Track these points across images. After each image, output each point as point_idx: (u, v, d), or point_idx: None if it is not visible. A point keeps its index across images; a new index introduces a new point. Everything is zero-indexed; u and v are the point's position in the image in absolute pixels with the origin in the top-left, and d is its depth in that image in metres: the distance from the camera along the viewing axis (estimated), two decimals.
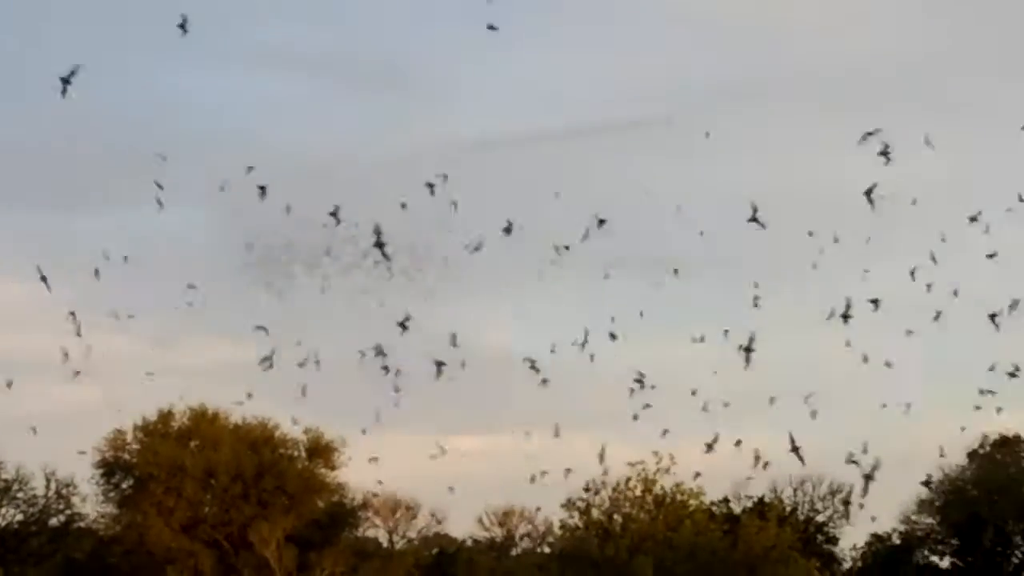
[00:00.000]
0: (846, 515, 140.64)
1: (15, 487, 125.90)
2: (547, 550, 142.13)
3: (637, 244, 72.74)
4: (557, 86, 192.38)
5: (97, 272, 65.99)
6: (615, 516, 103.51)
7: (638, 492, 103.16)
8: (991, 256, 65.66)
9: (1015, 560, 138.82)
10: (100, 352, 74.90)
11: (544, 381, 70.61)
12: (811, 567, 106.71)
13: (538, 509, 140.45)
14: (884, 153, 57.56)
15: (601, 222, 63.39)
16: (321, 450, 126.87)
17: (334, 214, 60.55)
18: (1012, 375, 68.81)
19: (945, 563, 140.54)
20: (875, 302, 64.85)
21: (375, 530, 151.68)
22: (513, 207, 64.14)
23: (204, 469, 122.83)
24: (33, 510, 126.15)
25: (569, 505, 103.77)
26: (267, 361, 66.95)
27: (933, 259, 65.29)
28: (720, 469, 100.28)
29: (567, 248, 65.78)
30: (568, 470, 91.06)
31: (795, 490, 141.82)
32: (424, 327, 64.95)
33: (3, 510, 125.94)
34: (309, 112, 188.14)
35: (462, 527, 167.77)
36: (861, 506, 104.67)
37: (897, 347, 71.28)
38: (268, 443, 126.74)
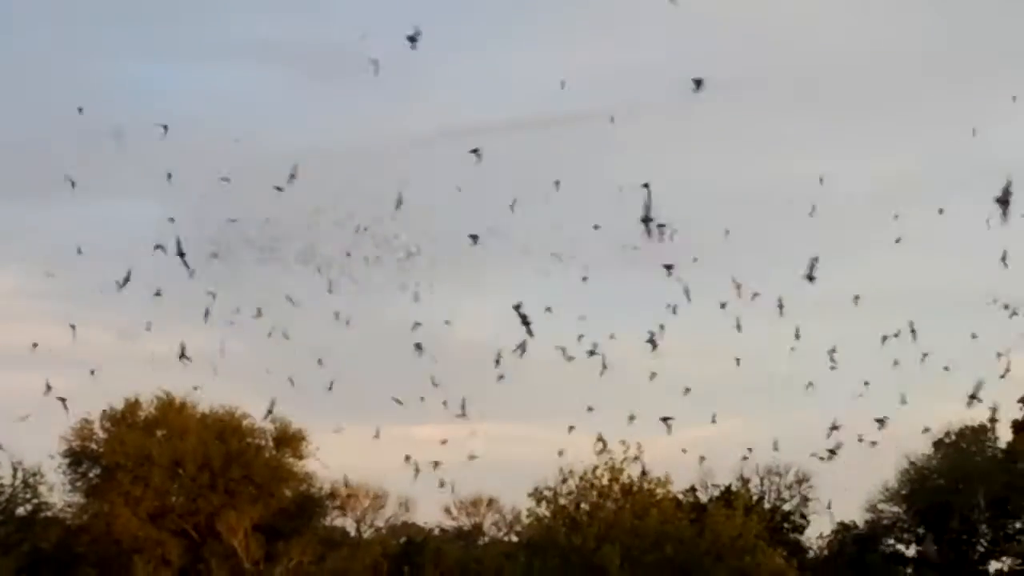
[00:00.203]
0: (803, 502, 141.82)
1: None
2: (515, 539, 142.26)
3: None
4: (520, 77, 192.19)
5: (56, 262, 66.06)
6: (582, 505, 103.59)
7: (605, 481, 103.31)
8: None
9: (981, 548, 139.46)
10: (66, 340, 74.96)
11: (501, 377, 70.97)
12: (777, 556, 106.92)
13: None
14: None
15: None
16: (289, 439, 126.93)
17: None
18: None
19: (911, 551, 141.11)
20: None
21: (343, 519, 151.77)
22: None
23: (171, 458, 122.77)
24: (0, 499, 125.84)
25: (536, 494, 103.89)
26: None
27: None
28: (683, 458, 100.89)
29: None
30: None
31: (762, 479, 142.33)
32: (389, 317, 65.21)
33: None
34: (263, 101, 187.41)
35: (430, 516, 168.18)
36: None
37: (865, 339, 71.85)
38: (235, 432, 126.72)
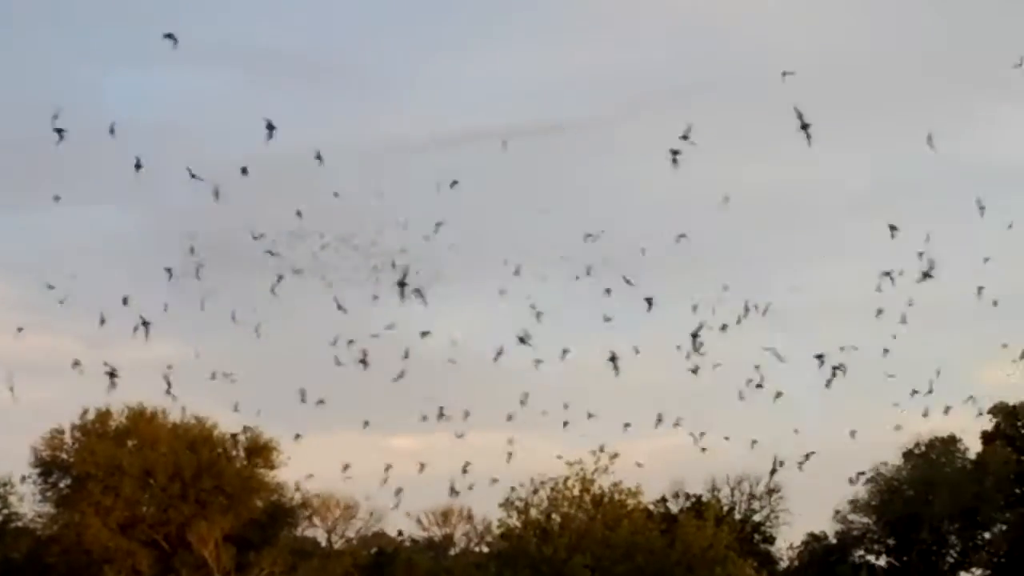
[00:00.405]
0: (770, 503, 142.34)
1: None
2: (485, 549, 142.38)
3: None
4: (499, 86, 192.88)
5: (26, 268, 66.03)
6: (553, 515, 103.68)
7: (576, 491, 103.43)
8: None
9: (950, 559, 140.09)
10: (35, 351, 74.97)
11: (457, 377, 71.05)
12: (748, 566, 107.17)
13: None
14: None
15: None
16: (260, 449, 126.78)
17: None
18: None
19: (881, 562, 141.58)
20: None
21: (314, 530, 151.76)
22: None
23: (142, 468, 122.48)
24: None
25: (507, 504, 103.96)
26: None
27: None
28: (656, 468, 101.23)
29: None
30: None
31: (732, 490, 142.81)
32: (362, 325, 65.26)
33: None
34: (242, 107, 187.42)
35: (401, 526, 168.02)
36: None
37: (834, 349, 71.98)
38: (206, 442, 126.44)
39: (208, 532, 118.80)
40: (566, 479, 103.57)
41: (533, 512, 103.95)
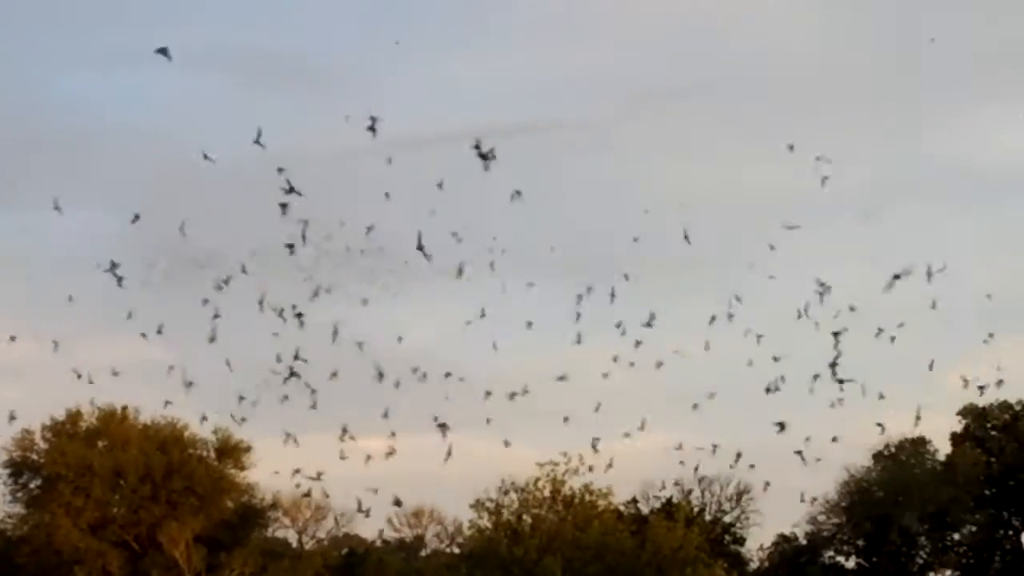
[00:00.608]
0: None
1: None
2: (457, 550, 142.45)
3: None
4: (499, 85, 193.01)
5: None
6: (524, 516, 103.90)
7: (547, 493, 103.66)
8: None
9: (919, 560, 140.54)
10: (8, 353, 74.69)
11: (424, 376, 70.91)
12: (718, 568, 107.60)
13: None
14: None
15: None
16: (230, 450, 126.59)
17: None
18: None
19: (851, 563, 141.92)
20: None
21: (284, 530, 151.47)
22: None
23: (112, 469, 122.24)
24: None
25: (478, 506, 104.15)
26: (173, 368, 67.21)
27: None
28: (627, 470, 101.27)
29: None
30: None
31: (703, 491, 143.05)
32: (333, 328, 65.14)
33: None
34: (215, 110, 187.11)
35: (372, 527, 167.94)
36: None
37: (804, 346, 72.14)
38: (177, 443, 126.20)
39: (179, 533, 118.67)
40: (536, 480, 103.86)
41: (504, 513, 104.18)
